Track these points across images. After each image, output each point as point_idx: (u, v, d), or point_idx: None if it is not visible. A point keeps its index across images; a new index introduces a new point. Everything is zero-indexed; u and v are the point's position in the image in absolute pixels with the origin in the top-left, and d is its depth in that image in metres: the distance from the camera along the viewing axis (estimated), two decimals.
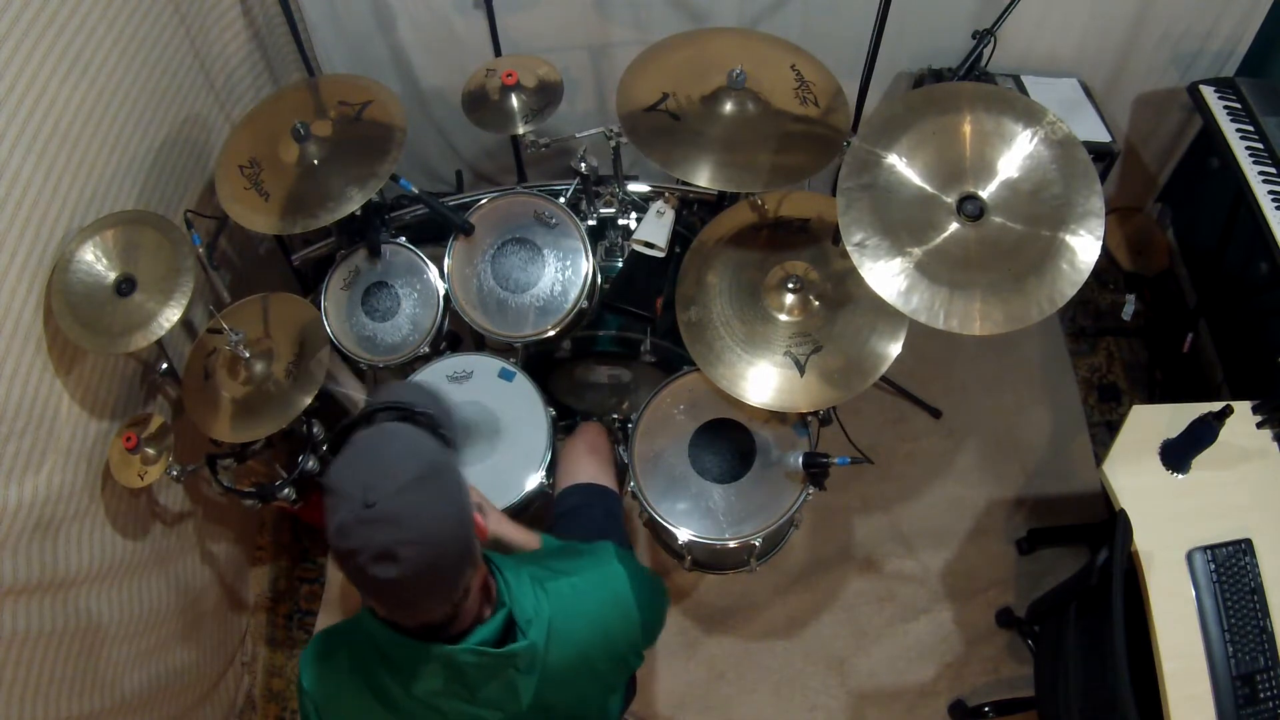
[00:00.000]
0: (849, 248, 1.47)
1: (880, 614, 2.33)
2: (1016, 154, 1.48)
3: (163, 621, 1.93)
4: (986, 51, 1.96)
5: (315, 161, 1.81)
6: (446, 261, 1.91)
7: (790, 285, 1.74)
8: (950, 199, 1.48)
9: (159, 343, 1.66)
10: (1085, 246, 1.44)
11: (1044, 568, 2.36)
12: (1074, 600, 1.70)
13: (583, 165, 1.89)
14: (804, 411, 1.76)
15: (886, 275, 1.45)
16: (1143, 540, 1.60)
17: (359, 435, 0.92)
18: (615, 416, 2.18)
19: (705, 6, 2.31)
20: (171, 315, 1.59)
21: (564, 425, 2.10)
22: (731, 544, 1.74)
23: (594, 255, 1.91)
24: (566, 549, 1.26)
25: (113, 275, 1.62)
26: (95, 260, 1.62)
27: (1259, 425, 1.75)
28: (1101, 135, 2.22)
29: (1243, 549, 1.60)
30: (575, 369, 2.11)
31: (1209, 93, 2.21)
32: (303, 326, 1.86)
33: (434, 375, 1.93)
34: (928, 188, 1.49)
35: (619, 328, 1.99)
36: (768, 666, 2.28)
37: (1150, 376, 2.69)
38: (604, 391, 2.22)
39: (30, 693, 1.54)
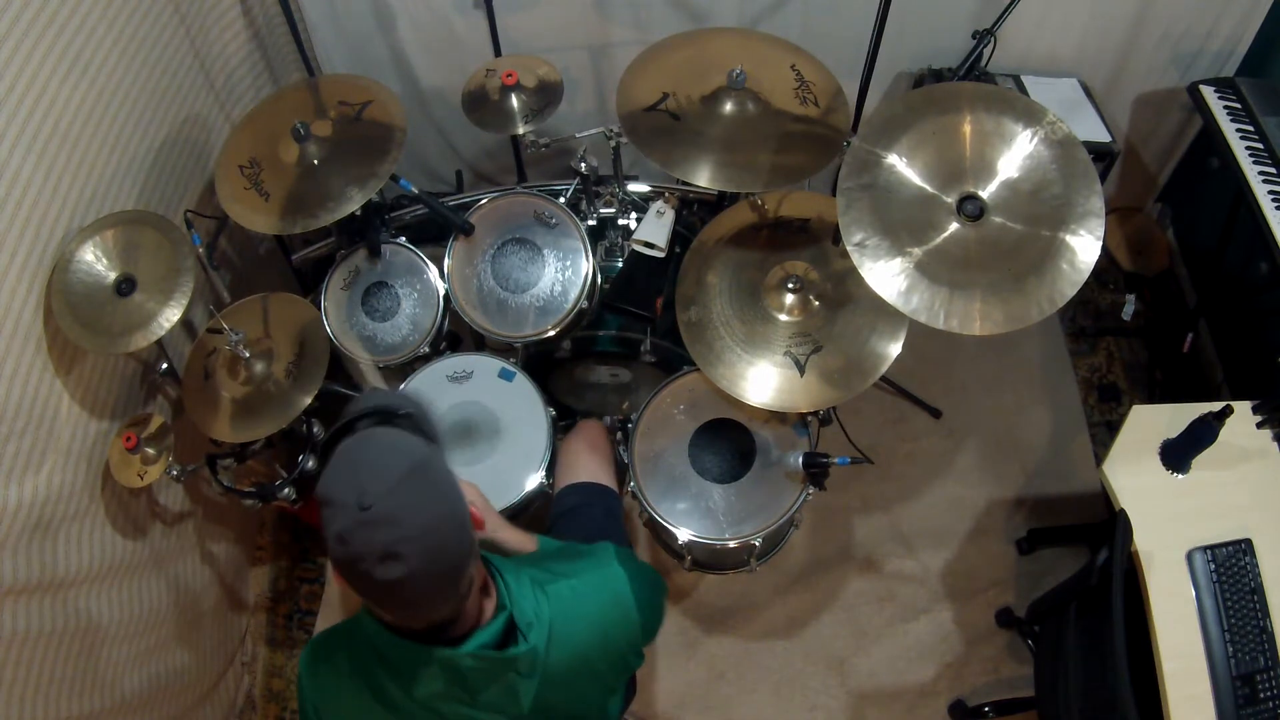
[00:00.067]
0: (849, 248, 1.47)
1: (880, 614, 2.33)
2: (1016, 154, 1.48)
3: (163, 621, 1.93)
4: (986, 51, 1.96)
5: (315, 161, 1.81)
6: (446, 261, 1.91)
7: (790, 285, 1.74)
8: (950, 199, 1.48)
9: (159, 343, 1.66)
10: (1085, 246, 1.44)
11: (1044, 568, 2.36)
12: (1074, 600, 1.70)
13: (583, 165, 1.89)
14: (804, 411, 1.76)
15: (886, 275, 1.45)
16: (1143, 540, 1.60)
17: (343, 445, 0.92)
18: (615, 416, 2.18)
19: (705, 6, 2.31)
20: (171, 315, 1.59)
21: (564, 425, 2.10)
22: (731, 544, 1.74)
23: (594, 255, 1.91)
24: (566, 550, 1.26)
25: (113, 275, 1.62)
26: (95, 260, 1.62)
27: (1259, 425, 1.75)
28: (1101, 135, 2.22)
29: (1243, 549, 1.60)
30: (575, 369, 2.11)
31: (1209, 93, 2.21)
32: (303, 326, 1.86)
33: (434, 375, 1.93)
34: (928, 188, 1.49)
35: (619, 328, 1.99)
36: (768, 666, 2.28)
37: (1150, 376, 2.69)
38: (604, 391, 2.22)
39: (30, 693, 1.54)
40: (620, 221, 2.05)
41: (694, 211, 2.16)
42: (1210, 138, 2.17)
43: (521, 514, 1.83)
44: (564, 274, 1.90)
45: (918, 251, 1.46)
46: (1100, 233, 1.44)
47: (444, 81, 2.51)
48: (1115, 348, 2.76)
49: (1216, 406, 1.60)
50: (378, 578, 0.87)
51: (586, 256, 1.89)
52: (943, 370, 2.68)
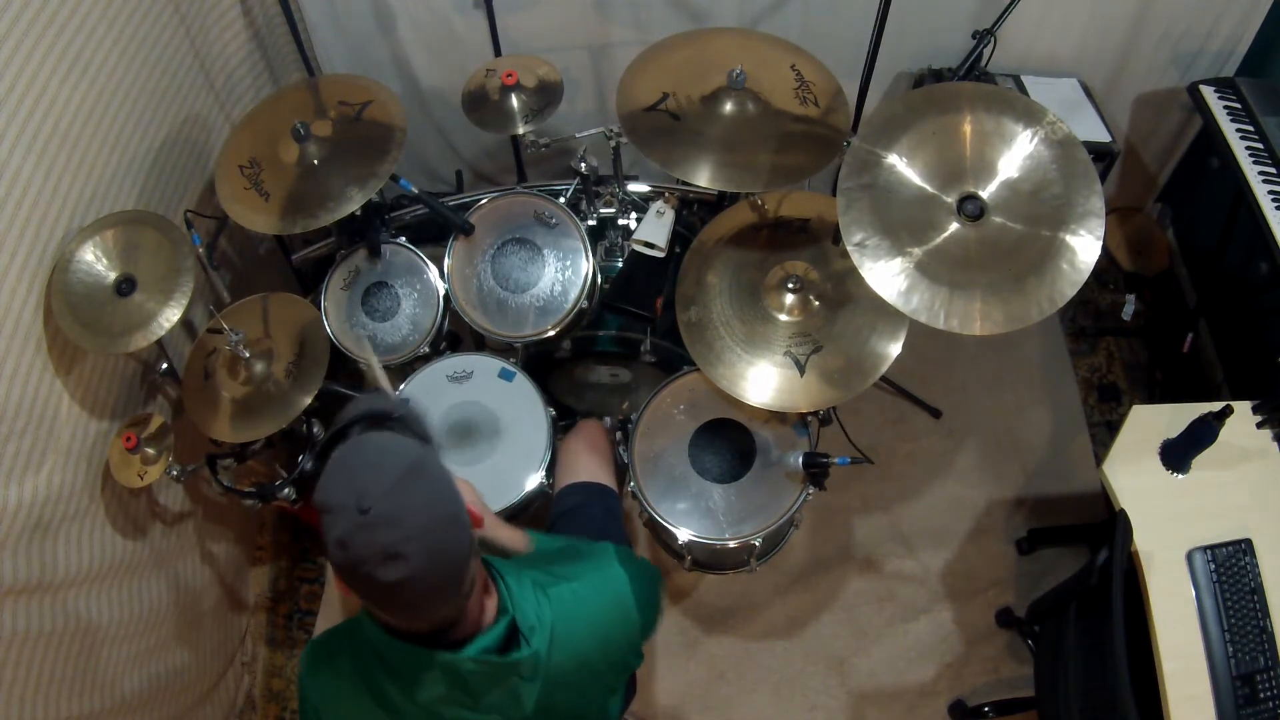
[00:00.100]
0: (849, 248, 1.47)
1: (880, 614, 2.33)
2: (1016, 154, 1.49)
3: (162, 621, 1.93)
4: (986, 51, 1.96)
5: (315, 161, 1.81)
6: (446, 261, 1.91)
7: (790, 285, 1.74)
8: (950, 199, 1.48)
9: (159, 343, 1.66)
10: (1085, 246, 1.44)
11: (1044, 568, 2.36)
12: (1074, 600, 1.70)
13: (583, 165, 1.89)
14: (804, 411, 1.76)
15: (886, 275, 1.45)
16: (1143, 540, 1.60)
17: (338, 452, 0.92)
18: (615, 417, 2.18)
19: (705, 6, 2.31)
20: (171, 315, 1.59)
21: (564, 425, 2.10)
22: (731, 544, 1.74)
23: (594, 255, 1.91)
24: (566, 551, 1.26)
25: (113, 275, 1.62)
26: (95, 260, 1.62)
27: (1259, 425, 1.75)
28: (1101, 135, 2.22)
29: (1243, 549, 1.60)
30: (575, 369, 2.11)
31: (1209, 93, 2.21)
32: (303, 326, 1.86)
33: (434, 375, 1.93)
34: (928, 188, 1.49)
35: (619, 328, 1.99)
36: (768, 666, 2.28)
37: (1150, 376, 2.69)
38: (604, 391, 2.22)
39: (30, 693, 1.54)
40: (620, 221, 2.05)
41: (694, 211, 2.16)
42: (1210, 138, 2.17)
43: (521, 514, 1.83)
44: (564, 274, 1.90)
45: (918, 251, 1.46)
46: (1100, 233, 1.44)
47: (444, 81, 2.51)
48: (1115, 348, 2.76)
49: (1216, 406, 1.61)
50: (381, 579, 0.87)
51: (586, 256, 1.89)
52: (943, 370, 2.68)
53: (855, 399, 1.72)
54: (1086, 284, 1.44)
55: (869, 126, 1.54)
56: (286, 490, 1.89)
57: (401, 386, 1.92)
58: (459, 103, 1.93)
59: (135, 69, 1.80)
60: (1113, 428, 2.59)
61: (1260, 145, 2.07)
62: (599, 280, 1.95)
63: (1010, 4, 1.82)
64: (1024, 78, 2.35)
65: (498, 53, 2.31)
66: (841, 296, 1.75)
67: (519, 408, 1.89)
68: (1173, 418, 1.74)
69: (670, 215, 1.88)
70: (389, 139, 1.82)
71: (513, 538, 1.33)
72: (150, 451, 1.74)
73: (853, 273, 1.51)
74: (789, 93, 1.77)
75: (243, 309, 1.89)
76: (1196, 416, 1.64)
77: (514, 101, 1.90)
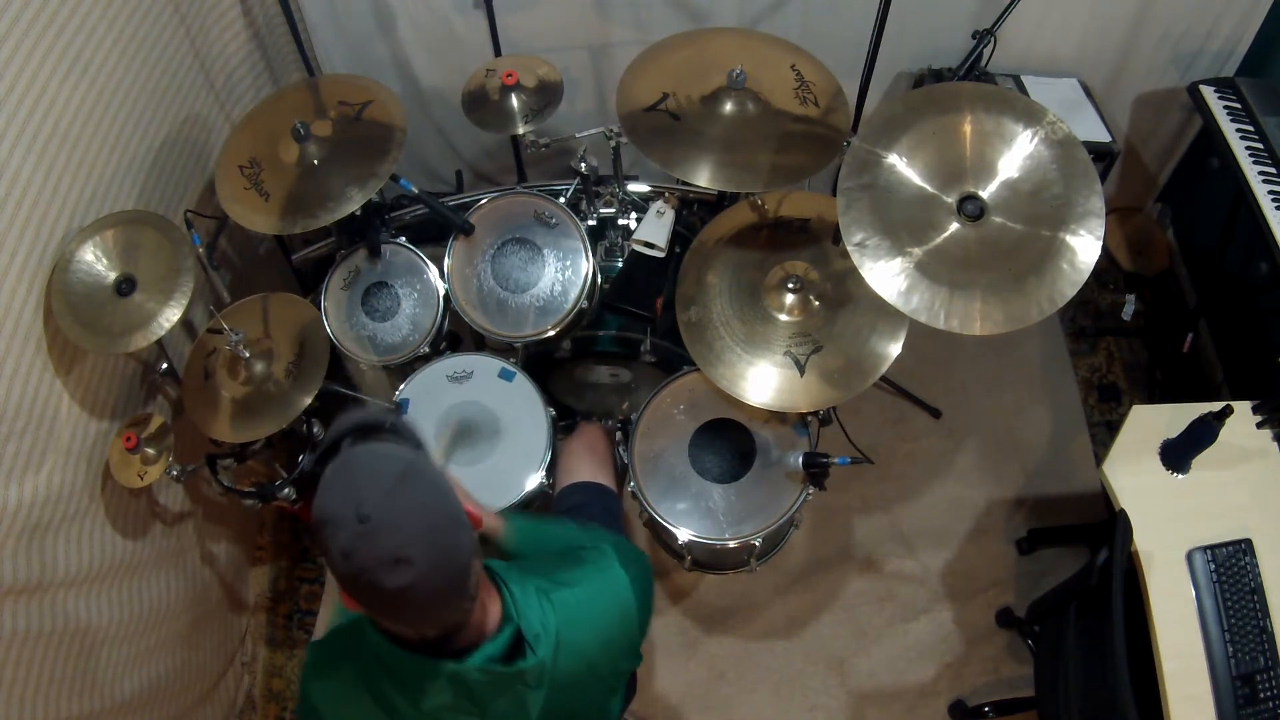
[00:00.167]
0: (849, 248, 1.47)
1: (880, 614, 2.33)
2: (1016, 154, 1.49)
3: (163, 621, 1.93)
4: (986, 51, 1.96)
5: (315, 161, 1.81)
6: (446, 261, 1.91)
7: (790, 285, 1.74)
8: (950, 199, 1.48)
9: (159, 343, 1.66)
10: (1085, 246, 1.44)
11: (1044, 568, 2.36)
12: (1074, 600, 1.70)
13: (583, 165, 1.89)
14: (804, 411, 1.76)
15: (886, 275, 1.45)
16: (1143, 540, 1.60)
17: (330, 467, 0.92)
18: (615, 417, 2.18)
19: (705, 6, 2.31)
20: (171, 315, 1.59)
21: (564, 425, 2.10)
22: (731, 544, 1.74)
23: (594, 255, 1.91)
24: (567, 555, 1.25)
25: (113, 275, 1.62)
26: (95, 260, 1.62)
27: (1259, 425, 1.75)
28: (1101, 135, 2.22)
29: (1243, 549, 1.60)
30: (575, 369, 2.11)
31: (1209, 93, 2.21)
32: (303, 326, 1.86)
33: (434, 375, 1.93)
34: (928, 188, 1.49)
35: (619, 328, 1.99)
36: (768, 666, 2.28)
37: (1150, 376, 2.69)
38: (604, 391, 2.22)
39: (30, 693, 1.54)
40: (620, 221, 2.05)
41: (694, 211, 2.16)
42: (1210, 138, 2.17)
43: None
44: (564, 274, 1.90)
45: (918, 251, 1.46)
46: (1100, 233, 1.44)
47: (444, 81, 2.51)
48: (1115, 348, 2.76)
49: (1216, 406, 1.61)
50: (388, 585, 0.86)
51: (586, 256, 1.89)
52: (943, 370, 2.68)
53: (855, 399, 1.72)
54: (1086, 284, 1.44)
55: (869, 126, 1.54)
56: (286, 490, 1.89)
57: (401, 387, 1.92)
58: (459, 103, 1.93)
59: (135, 69, 1.80)
60: (1113, 428, 2.59)
61: (1260, 145, 2.07)
62: (599, 280, 1.95)
63: (1010, 4, 1.82)
64: (1024, 78, 2.35)
65: (498, 53, 2.31)
66: (841, 296, 1.75)
67: (519, 408, 1.89)
68: (1173, 418, 1.74)
69: (670, 215, 1.88)
70: (389, 139, 1.82)
71: (491, 522, 1.34)
72: (150, 451, 1.74)
73: (853, 273, 1.51)
74: (789, 93, 1.77)
75: (243, 309, 1.89)
76: (1196, 416, 1.64)
77: (514, 101, 1.90)
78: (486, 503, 1.33)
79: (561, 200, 1.94)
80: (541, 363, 2.02)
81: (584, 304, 1.88)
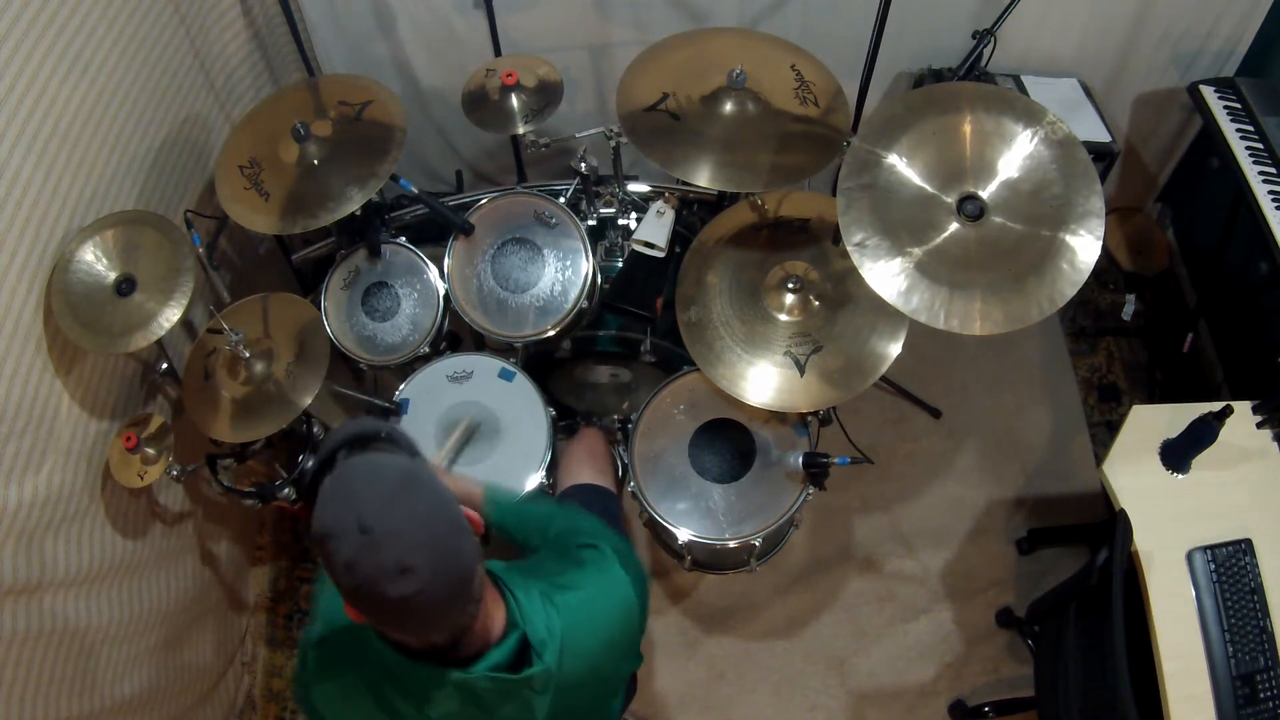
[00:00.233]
0: (849, 248, 1.47)
1: (880, 614, 2.33)
2: (1016, 154, 1.49)
3: (163, 621, 1.93)
4: (986, 51, 1.96)
5: (315, 161, 1.81)
6: (446, 261, 1.91)
7: (790, 285, 1.74)
8: (950, 199, 1.48)
9: (159, 343, 1.66)
10: (1085, 246, 1.44)
11: (1044, 568, 2.36)
12: (1074, 600, 1.70)
13: (583, 165, 1.89)
14: (804, 411, 1.76)
15: (886, 275, 1.45)
16: (1143, 540, 1.60)
17: (327, 480, 0.91)
18: (615, 417, 2.18)
19: (705, 6, 2.31)
20: (171, 315, 1.59)
21: (564, 425, 2.10)
22: (731, 544, 1.74)
23: (594, 255, 1.91)
24: (567, 559, 1.25)
25: (113, 275, 1.62)
26: (95, 260, 1.62)
27: (1259, 425, 1.75)
28: (1101, 135, 2.22)
29: (1243, 549, 1.60)
30: (575, 369, 2.11)
31: (1209, 93, 2.21)
32: (303, 326, 1.85)
33: (434, 375, 1.93)
34: (928, 188, 1.49)
35: (619, 328, 1.99)
36: (768, 666, 2.28)
37: (1150, 376, 2.69)
38: (604, 391, 2.22)
39: (30, 692, 1.54)
40: (620, 221, 2.05)
41: (694, 211, 2.16)
42: (1210, 138, 2.17)
43: None
44: (564, 274, 1.90)
45: (918, 251, 1.46)
46: (1100, 233, 1.44)
47: (444, 81, 2.51)
48: (1115, 348, 2.76)
49: (1216, 406, 1.61)
50: (394, 595, 0.86)
51: (586, 256, 1.89)
52: (943, 370, 2.68)
53: (855, 399, 1.72)
54: (1086, 284, 1.44)
55: (869, 126, 1.54)
56: (286, 490, 1.89)
57: (401, 387, 1.92)
58: (459, 103, 1.93)
59: (135, 69, 1.80)
60: (1113, 428, 2.59)
61: (1260, 145, 2.07)
62: (599, 280, 1.95)
63: (1010, 4, 1.82)
64: (1024, 78, 2.35)
65: (498, 53, 2.31)
66: (841, 296, 1.75)
67: (519, 408, 1.89)
68: (1173, 418, 1.74)
69: (670, 215, 1.88)
70: (389, 139, 1.82)
71: (463, 488, 1.34)
72: (150, 451, 1.74)
73: (853, 273, 1.51)
74: (789, 93, 1.77)
75: (243, 309, 1.89)
76: (1196, 416, 1.64)
77: (514, 101, 1.90)
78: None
79: (561, 200, 1.94)
80: (541, 363, 2.02)
81: (584, 304, 1.88)
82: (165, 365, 1.85)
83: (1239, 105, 2.17)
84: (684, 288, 1.82)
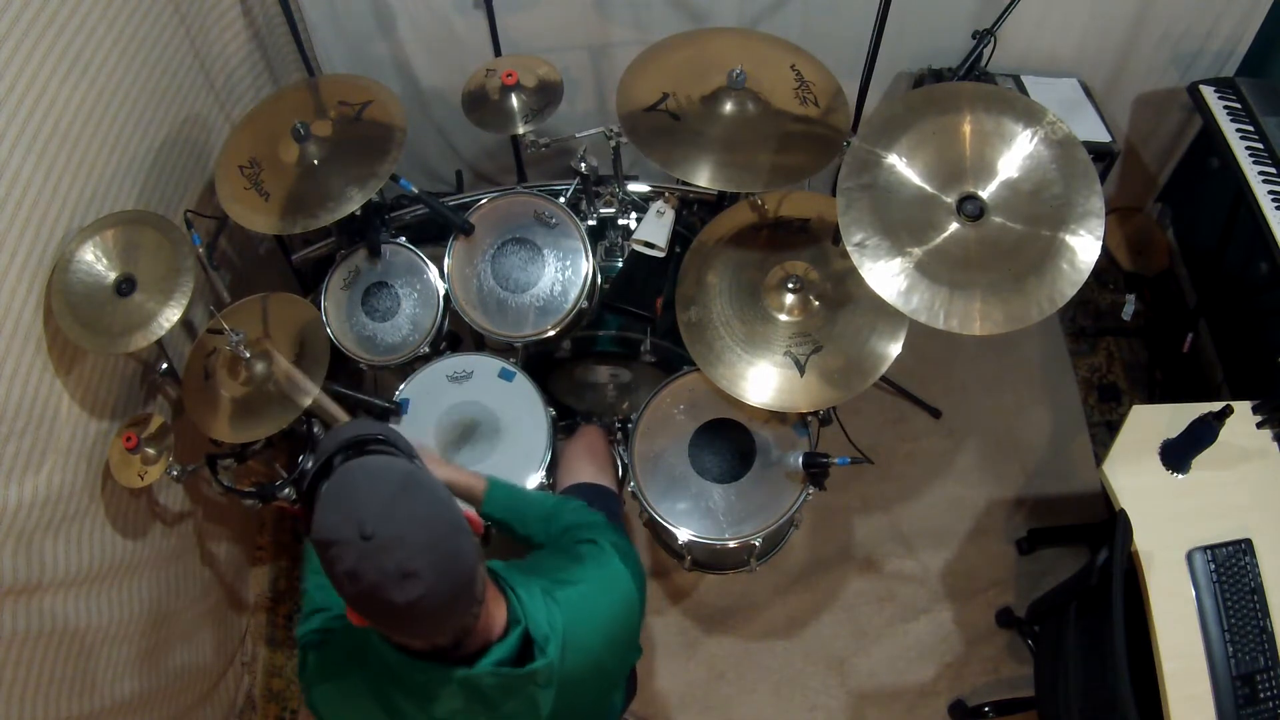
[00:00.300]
0: (849, 248, 1.47)
1: (880, 614, 2.33)
2: (1016, 154, 1.48)
3: (163, 621, 1.93)
4: (986, 51, 1.96)
5: (315, 161, 1.81)
6: (446, 261, 1.91)
7: (790, 285, 1.74)
8: (950, 199, 1.48)
9: (159, 343, 1.66)
10: (1085, 246, 1.44)
11: (1044, 568, 2.36)
12: (1074, 600, 1.70)
13: (583, 165, 1.89)
14: (804, 411, 1.76)
15: (886, 275, 1.45)
16: (1143, 540, 1.60)
17: (326, 487, 0.91)
18: (615, 417, 2.18)
19: (705, 6, 2.31)
20: (171, 315, 1.59)
21: (564, 425, 2.10)
22: (731, 544, 1.74)
23: (594, 255, 1.91)
24: (566, 555, 1.26)
25: (113, 275, 1.62)
26: (95, 260, 1.62)
27: (1259, 425, 1.75)
28: (1101, 135, 2.22)
29: (1243, 549, 1.60)
30: (575, 369, 2.11)
31: (1209, 93, 2.21)
32: (303, 326, 1.86)
33: (434, 375, 1.93)
34: (928, 188, 1.49)
35: (619, 328, 1.99)
36: (768, 666, 2.28)
37: (1150, 376, 2.69)
38: (604, 391, 2.22)
39: (30, 692, 1.54)
40: (620, 221, 2.05)
41: (694, 211, 2.16)
42: (1210, 138, 2.17)
43: None
44: (564, 274, 1.90)
45: (918, 251, 1.46)
46: (1100, 233, 1.44)
47: (444, 81, 2.51)
48: (1115, 348, 2.76)
49: (1216, 406, 1.61)
50: (399, 601, 0.86)
51: (586, 256, 1.89)
52: (943, 370, 2.68)
53: (855, 399, 1.72)
54: (1086, 284, 1.44)
55: (869, 126, 1.54)
56: (286, 490, 1.89)
57: (401, 387, 1.92)
58: (459, 103, 1.93)
59: (135, 69, 1.80)
60: (1113, 428, 2.59)
61: (1260, 145, 2.07)
62: (599, 280, 1.95)
63: (1010, 4, 1.82)
64: (1024, 78, 2.35)
65: (498, 53, 2.31)
66: (841, 296, 1.75)
67: (519, 408, 1.89)
68: (1173, 418, 1.74)
69: (670, 215, 1.88)
70: (389, 139, 1.82)
71: (466, 479, 1.34)
72: (150, 451, 1.74)
73: (853, 273, 1.51)
74: (789, 93, 1.77)
75: (243, 309, 1.89)
76: (1196, 416, 1.64)
77: (514, 101, 1.90)
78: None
79: (561, 200, 1.94)
80: (541, 363, 2.02)
81: (584, 304, 1.88)
82: (165, 365, 1.85)
83: (1239, 105, 2.17)
84: (684, 288, 1.82)
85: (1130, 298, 2.76)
